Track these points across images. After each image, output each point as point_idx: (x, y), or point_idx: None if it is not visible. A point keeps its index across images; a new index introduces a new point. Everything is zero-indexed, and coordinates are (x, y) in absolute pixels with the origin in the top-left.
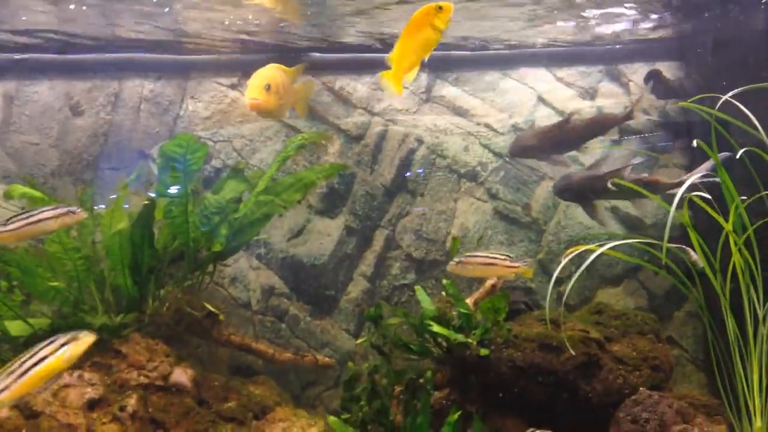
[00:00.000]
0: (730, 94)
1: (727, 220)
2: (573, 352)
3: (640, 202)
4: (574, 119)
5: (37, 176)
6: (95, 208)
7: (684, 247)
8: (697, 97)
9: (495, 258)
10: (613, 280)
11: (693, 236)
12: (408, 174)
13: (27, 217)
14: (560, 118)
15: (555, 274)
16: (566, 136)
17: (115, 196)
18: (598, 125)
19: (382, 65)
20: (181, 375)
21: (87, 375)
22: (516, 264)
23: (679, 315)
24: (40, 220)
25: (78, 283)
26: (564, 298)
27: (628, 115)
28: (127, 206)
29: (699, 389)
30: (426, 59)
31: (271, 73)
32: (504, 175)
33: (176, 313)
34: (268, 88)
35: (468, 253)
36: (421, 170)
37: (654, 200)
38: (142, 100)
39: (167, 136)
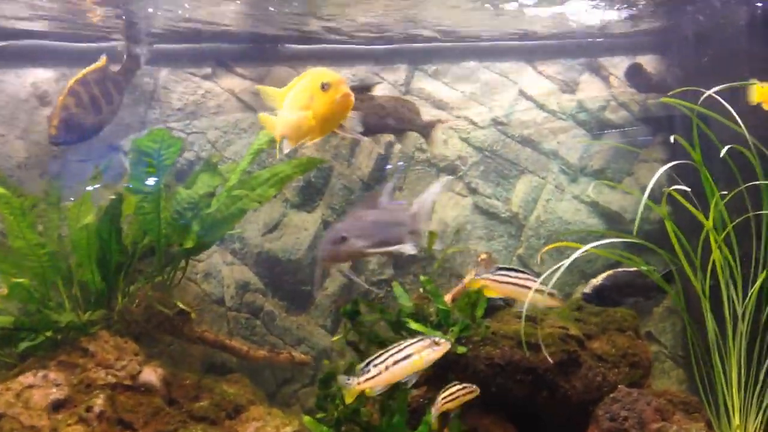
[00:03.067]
0: (713, 90)
1: (707, 217)
2: (554, 350)
3: (623, 198)
4: (377, 93)
5: (3, 168)
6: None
7: None
8: (677, 90)
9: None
10: (593, 276)
11: (670, 229)
12: (388, 166)
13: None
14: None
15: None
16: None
17: (88, 188)
18: (390, 116)
19: (360, 57)
20: (151, 374)
21: (52, 375)
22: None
23: (658, 311)
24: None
25: (43, 280)
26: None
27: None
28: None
29: (678, 385)
30: None
31: None
32: (484, 169)
33: (146, 311)
34: None
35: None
36: (401, 164)
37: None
38: None
39: (138, 128)
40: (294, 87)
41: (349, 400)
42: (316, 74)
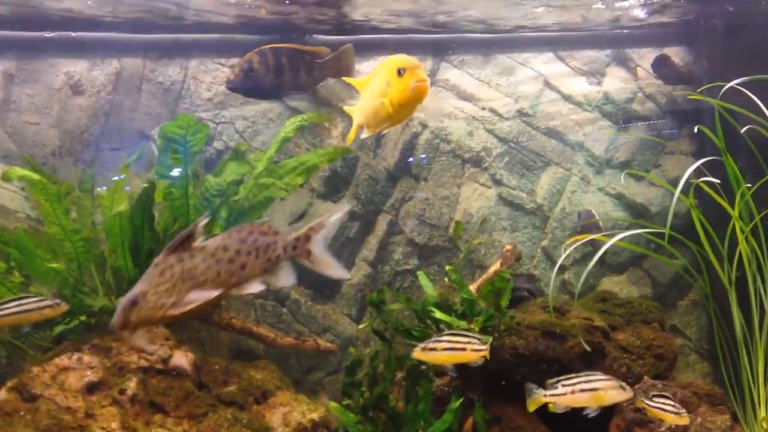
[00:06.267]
0: (736, 81)
1: (733, 208)
2: (579, 341)
3: (648, 191)
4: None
5: (37, 156)
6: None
7: None
8: (708, 86)
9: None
10: (618, 268)
11: (697, 219)
12: (411, 160)
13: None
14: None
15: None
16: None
17: (116, 177)
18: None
19: (386, 47)
20: (181, 358)
21: (86, 358)
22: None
23: (683, 304)
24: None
25: (78, 265)
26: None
27: None
28: (127, 188)
29: (702, 378)
30: None
31: None
32: (508, 160)
33: None
34: None
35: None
36: (424, 156)
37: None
38: (143, 80)
39: (168, 117)
40: (373, 74)
41: (531, 408)
42: (393, 60)
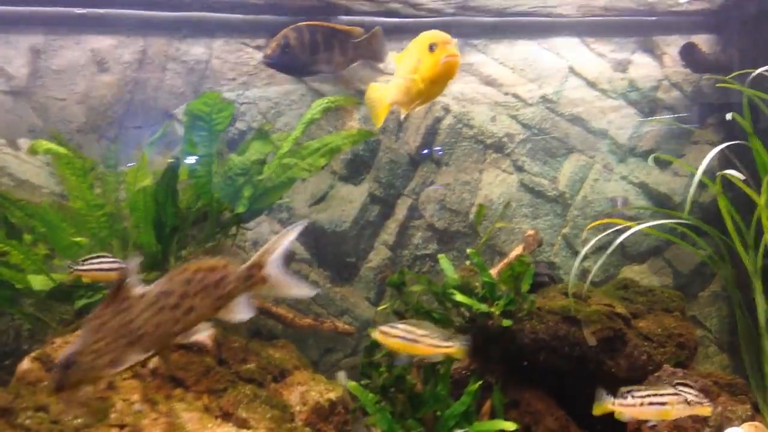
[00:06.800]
0: (765, 68)
1: (760, 197)
2: (599, 327)
3: (672, 180)
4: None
5: (63, 132)
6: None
7: None
8: (737, 73)
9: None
10: (638, 257)
11: (723, 206)
12: (426, 152)
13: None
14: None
15: (584, 251)
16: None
17: (138, 155)
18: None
19: (410, 30)
20: (202, 334)
21: None
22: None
23: (704, 295)
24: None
25: (101, 240)
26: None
27: None
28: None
29: (721, 370)
30: None
31: None
32: (531, 147)
33: None
34: None
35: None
36: (439, 149)
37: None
38: (168, 59)
39: (192, 96)
40: (407, 51)
41: (596, 412)
42: (426, 36)
